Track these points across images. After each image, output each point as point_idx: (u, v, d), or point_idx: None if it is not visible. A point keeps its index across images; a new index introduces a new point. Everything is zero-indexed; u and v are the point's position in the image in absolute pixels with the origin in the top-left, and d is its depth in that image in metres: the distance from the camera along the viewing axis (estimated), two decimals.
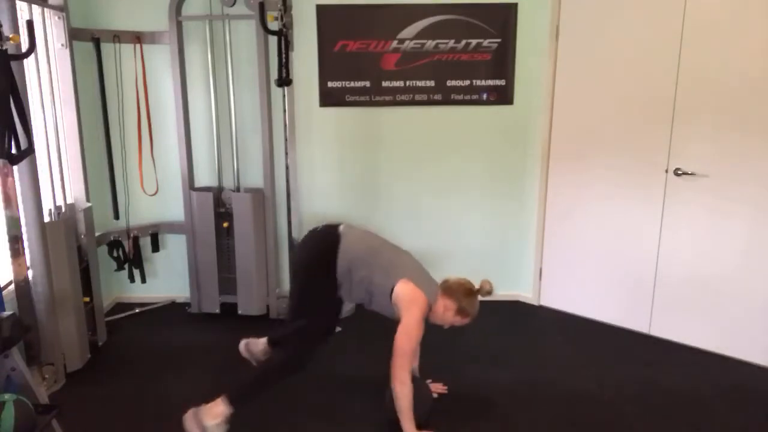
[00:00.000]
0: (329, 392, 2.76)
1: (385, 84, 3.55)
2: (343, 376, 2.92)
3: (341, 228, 2.44)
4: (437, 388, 2.73)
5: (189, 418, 2.26)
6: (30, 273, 2.63)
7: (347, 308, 3.50)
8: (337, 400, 2.69)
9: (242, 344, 2.79)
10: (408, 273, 2.34)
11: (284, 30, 3.15)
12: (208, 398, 2.31)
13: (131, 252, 3.63)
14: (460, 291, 2.42)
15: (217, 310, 3.60)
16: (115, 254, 3.55)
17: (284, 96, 3.39)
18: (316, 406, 2.64)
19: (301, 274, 2.50)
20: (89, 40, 3.30)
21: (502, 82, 3.57)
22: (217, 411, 2.25)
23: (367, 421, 2.53)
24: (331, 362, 2.99)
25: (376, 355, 3.09)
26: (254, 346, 2.77)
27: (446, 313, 2.42)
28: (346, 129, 3.64)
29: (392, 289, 2.30)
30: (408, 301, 2.28)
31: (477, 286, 2.44)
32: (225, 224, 3.51)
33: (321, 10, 3.45)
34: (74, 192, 3.11)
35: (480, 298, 2.44)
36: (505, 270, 3.85)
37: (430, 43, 3.50)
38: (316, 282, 2.41)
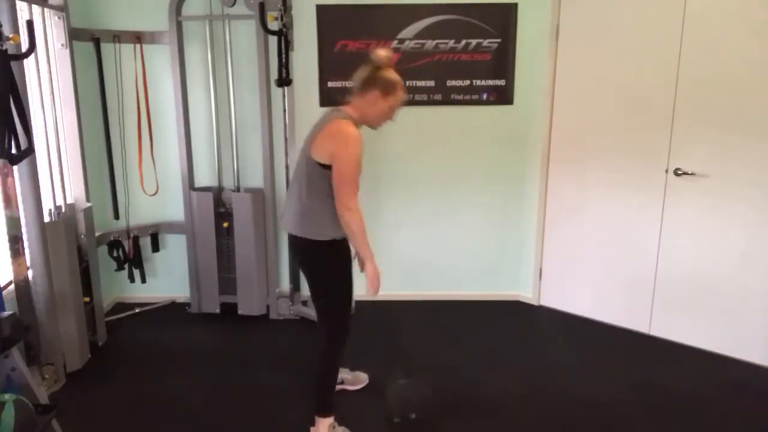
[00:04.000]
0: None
1: None
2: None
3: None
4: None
5: None
6: (30, 273, 2.63)
7: None
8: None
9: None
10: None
11: (284, 30, 3.15)
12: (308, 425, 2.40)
13: (131, 252, 3.63)
14: (369, 76, 2.22)
15: (217, 310, 3.60)
16: (115, 254, 3.55)
17: (284, 96, 3.39)
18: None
19: (301, 268, 2.41)
20: (89, 40, 3.30)
21: (502, 82, 3.57)
22: (323, 429, 2.33)
23: (367, 420, 2.53)
24: None
25: (377, 354, 3.10)
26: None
27: (377, 102, 2.22)
28: None
29: (312, 162, 2.15)
30: (327, 140, 2.13)
31: (373, 57, 2.26)
32: (225, 224, 3.51)
33: (321, 10, 3.45)
34: (74, 192, 3.11)
35: (384, 64, 2.24)
36: (505, 270, 3.85)
37: (430, 43, 3.50)
38: (309, 265, 2.32)
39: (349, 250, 2.33)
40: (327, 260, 2.27)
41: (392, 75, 2.24)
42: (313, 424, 2.37)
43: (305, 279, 2.39)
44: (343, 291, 2.31)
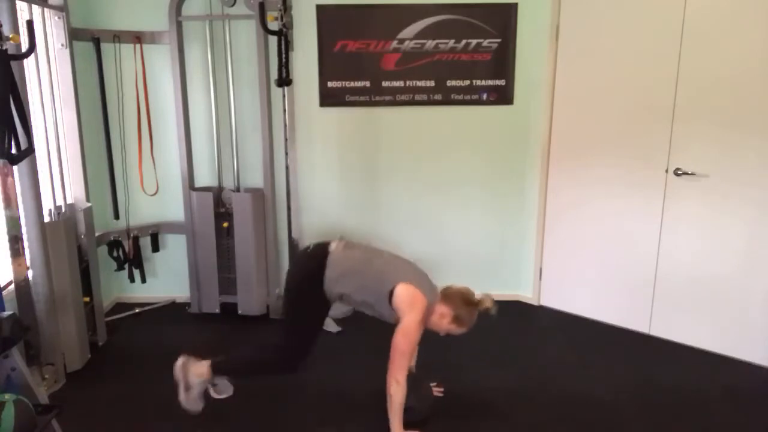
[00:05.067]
0: (330, 397, 2.76)
1: (385, 84, 3.55)
2: (344, 381, 2.92)
3: (332, 244, 2.42)
4: (435, 391, 2.72)
5: (179, 367, 2.48)
6: (30, 273, 2.63)
7: (344, 310, 3.50)
8: (342, 402, 2.70)
9: (180, 362, 2.56)
10: (407, 276, 2.34)
11: (284, 30, 3.15)
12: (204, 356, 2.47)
13: (131, 252, 3.63)
14: (459, 299, 2.41)
15: (217, 310, 3.60)
16: (115, 254, 3.55)
17: (284, 96, 3.39)
18: (318, 412, 2.65)
19: (291, 292, 2.44)
20: (89, 40, 3.30)
21: (502, 82, 3.57)
22: (201, 371, 2.44)
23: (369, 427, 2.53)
24: (334, 367, 3.00)
25: (375, 359, 3.10)
26: (193, 367, 2.58)
27: (442, 319, 2.39)
28: (346, 129, 3.64)
29: (391, 293, 2.28)
30: (408, 303, 2.27)
31: (478, 298, 2.43)
32: (225, 224, 3.51)
33: (321, 10, 3.45)
34: (74, 192, 3.11)
35: (481, 309, 2.43)
36: (505, 270, 3.85)
37: (430, 43, 3.50)
38: (303, 300, 2.38)
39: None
40: (321, 302, 2.36)
41: (473, 316, 2.43)
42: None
43: (285, 306, 2.49)
44: (303, 338, 2.38)
